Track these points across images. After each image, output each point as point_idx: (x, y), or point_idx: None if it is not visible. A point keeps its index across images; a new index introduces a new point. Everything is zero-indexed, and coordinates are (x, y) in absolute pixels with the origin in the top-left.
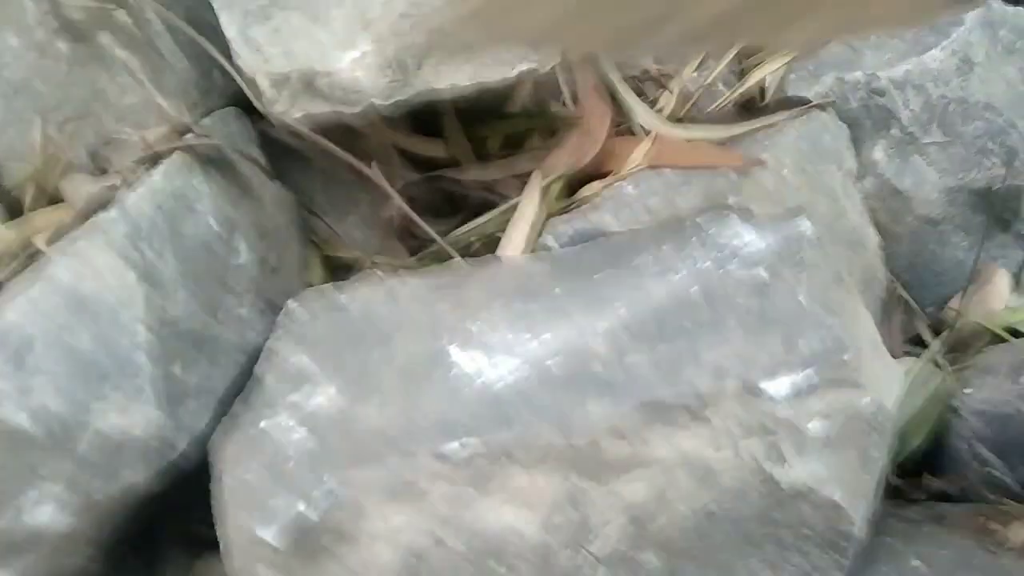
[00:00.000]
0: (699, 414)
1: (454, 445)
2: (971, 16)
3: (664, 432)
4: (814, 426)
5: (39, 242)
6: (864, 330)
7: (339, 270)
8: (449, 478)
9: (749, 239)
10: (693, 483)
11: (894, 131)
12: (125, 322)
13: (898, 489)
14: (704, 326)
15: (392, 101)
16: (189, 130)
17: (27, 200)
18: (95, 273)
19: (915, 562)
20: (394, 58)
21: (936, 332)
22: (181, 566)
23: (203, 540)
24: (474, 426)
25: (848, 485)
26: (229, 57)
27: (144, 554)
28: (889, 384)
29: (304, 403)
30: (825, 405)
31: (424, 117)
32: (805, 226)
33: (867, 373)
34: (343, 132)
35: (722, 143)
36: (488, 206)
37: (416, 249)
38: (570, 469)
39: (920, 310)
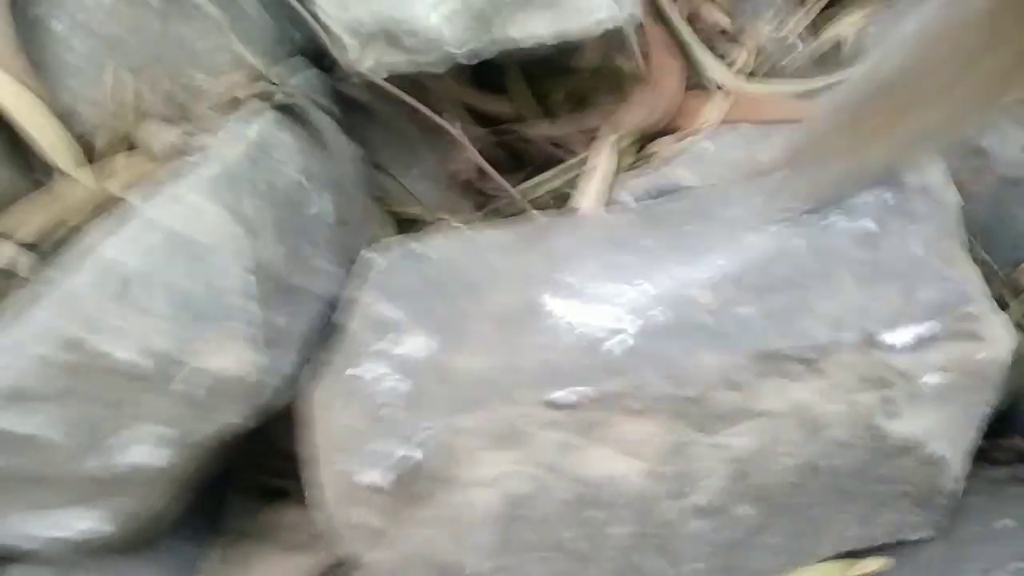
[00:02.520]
0: (815, 365)
1: (562, 393)
2: None
3: (777, 384)
4: (931, 379)
5: (115, 188)
6: (978, 282)
7: (404, 225)
8: (557, 425)
9: (851, 191)
10: (801, 436)
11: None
12: (223, 264)
13: (982, 450)
14: (814, 277)
15: (467, 50)
16: (264, 79)
17: (99, 146)
18: (192, 214)
19: (1005, 520)
20: (475, 6)
21: (1015, 294)
22: (248, 513)
23: (270, 490)
24: (581, 375)
25: (954, 440)
26: (308, 7)
27: (210, 501)
28: (1005, 337)
29: (393, 350)
30: (944, 357)
31: (488, 74)
32: (909, 176)
33: (986, 325)
34: (410, 87)
35: (800, 97)
36: (554, 162)
37: (481, 205)
38: (679, 419)
39: (998, 271)
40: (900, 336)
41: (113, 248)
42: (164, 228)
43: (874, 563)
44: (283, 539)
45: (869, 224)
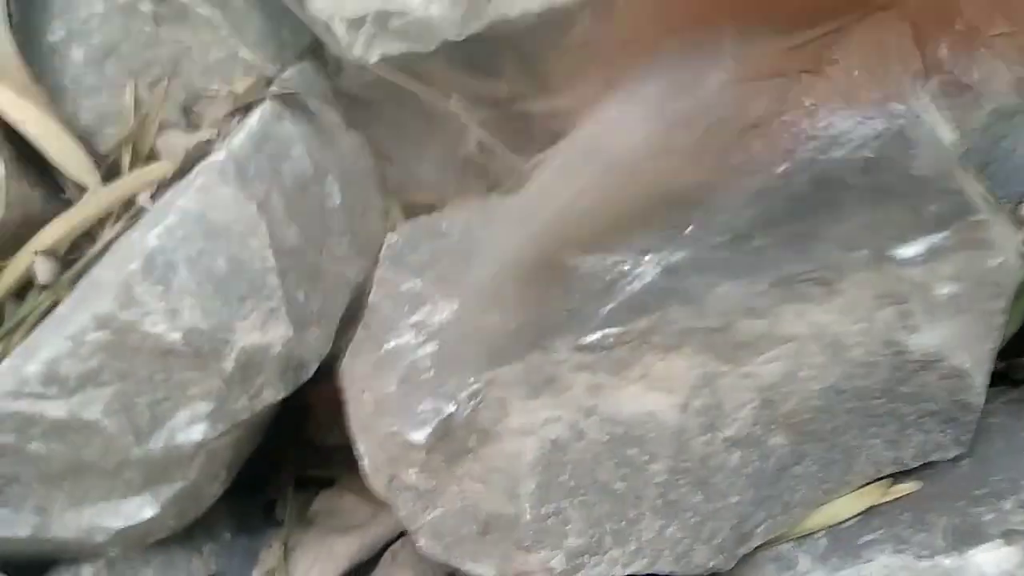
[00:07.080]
0: (832, 286)
1: (594, 336)
2: None
3: (798, 308)
4: (945, 289)
5: (142, 199)
6: (982, 194)
7: (419, 215)
8: (591, 368)
9: (845, 126)
10: (825, 359)
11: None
12: (255, 248)
13: (1001, 372)
14: (820, 208)
15: (465, 35)
16: (271, 81)
17: (124, 162)
18: (221, 204)
19: None
20: None
21: (1018, 227)
22: (300, 503)
23: (320, 481)
24: (608, 317)
25: (973, 351)
26: (302, 6)
27: (264, 497)
28: (1013, 242)
29: (427, 320)
30: (956, 267)
31: (482, 59)
32: (901, 108)
33: (995, 233)
34: (406, 76)
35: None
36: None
37: (492, 186)
38: (707, 352)
39: (999, 205)
40: (912, 249)
41: (156, 238)
42: (197, 217)
43: (908, 486)
44: (337, 524)
45: (868, 154)
